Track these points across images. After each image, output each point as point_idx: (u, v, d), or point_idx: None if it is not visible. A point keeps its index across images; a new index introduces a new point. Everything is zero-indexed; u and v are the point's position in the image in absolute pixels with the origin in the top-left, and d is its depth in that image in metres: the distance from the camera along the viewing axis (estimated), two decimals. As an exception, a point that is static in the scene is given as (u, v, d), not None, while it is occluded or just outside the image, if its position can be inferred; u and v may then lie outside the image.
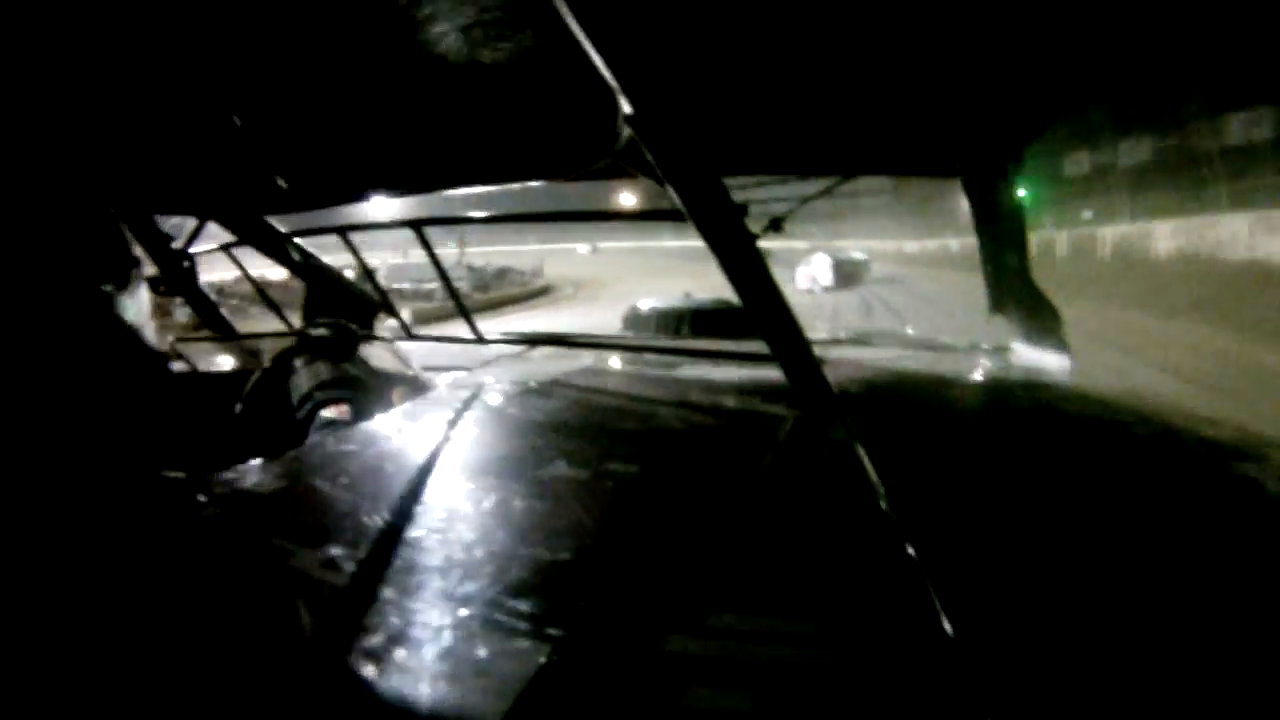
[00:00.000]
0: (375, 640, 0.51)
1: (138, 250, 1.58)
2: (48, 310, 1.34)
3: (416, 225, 1.60)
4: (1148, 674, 0.46)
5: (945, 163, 1.51)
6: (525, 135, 1.10)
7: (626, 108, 0.89)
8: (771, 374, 1.12)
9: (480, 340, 1.59)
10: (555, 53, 0.85)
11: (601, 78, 0.87)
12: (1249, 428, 0.95)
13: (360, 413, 1.38)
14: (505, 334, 1.92)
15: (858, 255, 16.55)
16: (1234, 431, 0.95)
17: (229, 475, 0.87)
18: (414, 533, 0.70)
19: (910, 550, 0.62)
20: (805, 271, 15.34)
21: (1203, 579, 0.58)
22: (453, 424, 1.12)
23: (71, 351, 1.32)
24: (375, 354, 1.53)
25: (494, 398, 1.30)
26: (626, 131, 0.94)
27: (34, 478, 1.03)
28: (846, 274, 15.01)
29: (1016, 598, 0.55)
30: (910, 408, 1.25)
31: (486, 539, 0.70)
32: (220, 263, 1.95)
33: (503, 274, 25.08)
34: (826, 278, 14.46)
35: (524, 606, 0.56)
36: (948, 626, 0.50)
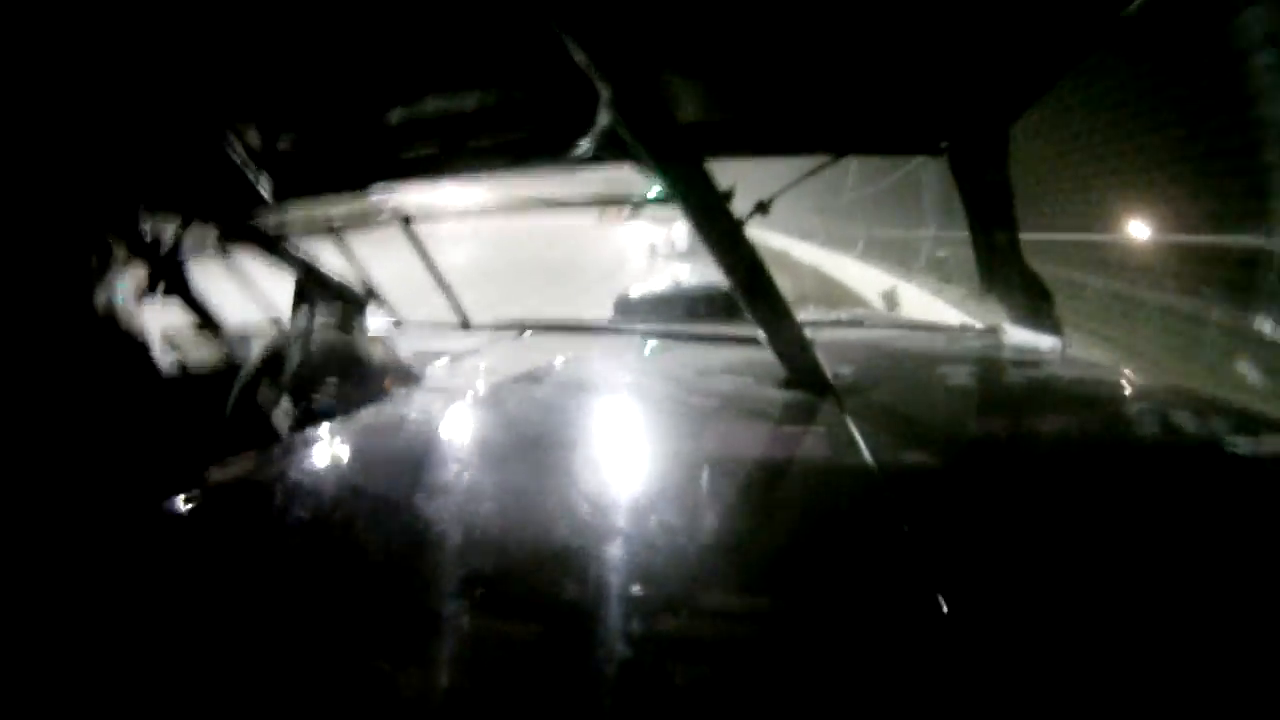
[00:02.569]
0: (370, 630, 0.51)
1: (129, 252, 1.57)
2: (40, 314, 1.33)
3: (404, 221, 1.59)
4: (1146, 662, 0.46)
5: (931, 139, 1.50)
6: (506, 125, 1.09)
7: (607, 93, 0.89)
8: (764, 356, 1.12)
9: (467, 326, 1.59)
10: (535, 40, 0.84)
11: (583, 64, 0.86)
12: (1246, 405, 0.95)
13: (352, 403, 1.38)
14: (494, 320, 1.91)
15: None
16: (1230, 407, 0.96)
17: (222, 467, 0.87)
18: (407, 522, 0.70)
19: (905, 529, 0.62)
20: (664, 234, 14.83)
21: (1202, 564, 0.58)
22: (443, 413, 1.12)
23: (64, 353, 1.31)
24: (365, 344, 1.52)
25: (483, 385, 1.30)
26: (606, 117, 0.93)
27: (26, 478, 1.03)
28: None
29: (1012, 578, 0.55)
30: (903, 388, 1.25)
31: (479, 526, 0.70)
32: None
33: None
34: (683, 243, 13.90)
35: (518, 593, 0.56)
36: (943, 607, 0.50)
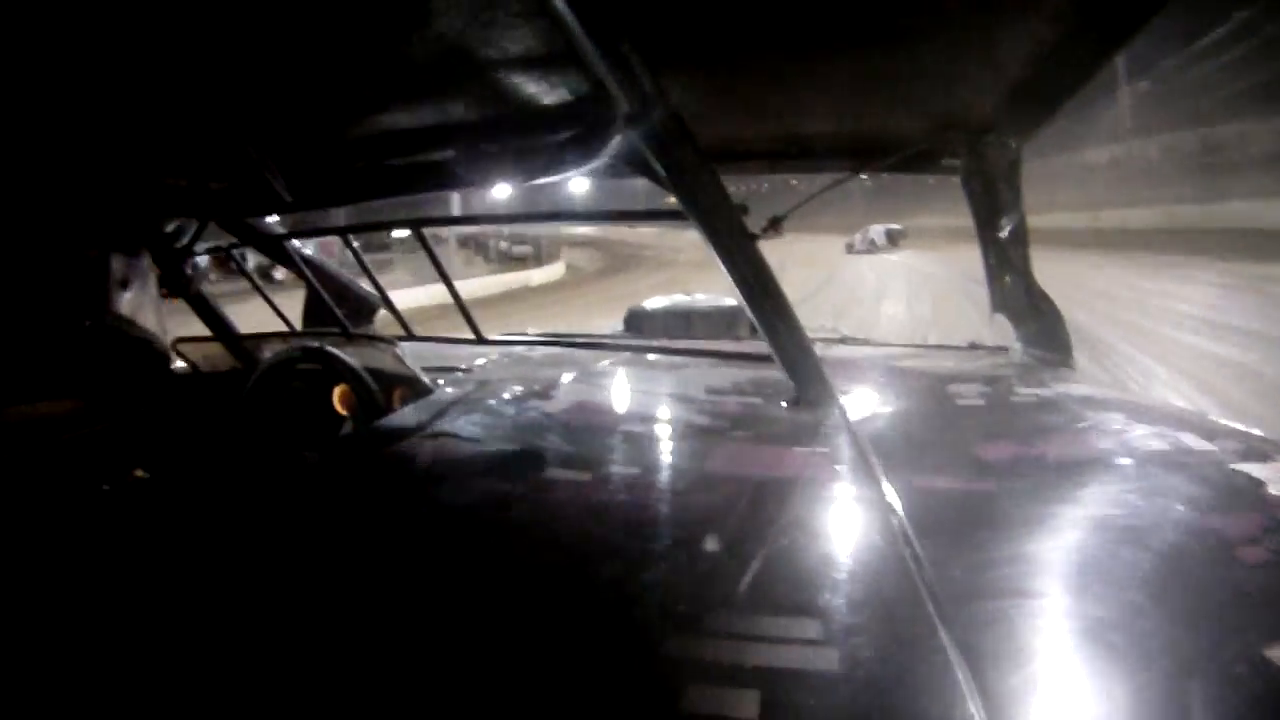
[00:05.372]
0: (375, 643, 0.51)
1: (143, 253, 1.59)
2: (54, 312, 1.34)
3: (416, 225, 1.60)
4: (1148, 676, 0.46)
5: (943, 157, 1.51)
6: (522, 135, 1.09)
7: (624, 105, 0.89)
8: (773, 373, 1.12)
9: (480, 340, 1.59)
10: (554, 51, 0.85)
11: (600, 77, 0.86)
12: (1252, 429, 0.94)
13: (361, 414, 1.38)
14: (506, 335, 1.92)
15: (896, 227, 26.64)
16: (1236, 431, 0.95)
17: (229, 478, 0.87)
18: (414, 535, 0.70)
19: (911, 549, 0.62)
20: (862, 236, 24.72)
21: (1208, 583, 0.57)
22: (453, 426, 1.12)
23: (77, 353, 1.32)
24: (374, 355, 1.52)
25: (494, 399, 1.30)
26: (624, 131, 0.94)
27: (36, 475, 1.04)
28: (893, 237, 25.49)
29: (1018, 595, 0.55)
30: (911, 406, 1.25)
31: (486, 540, 0.70)
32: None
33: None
34: (881, 240, 24.45)
35: (524, 608, 0.56)
36: (949, 625, 0.49)
